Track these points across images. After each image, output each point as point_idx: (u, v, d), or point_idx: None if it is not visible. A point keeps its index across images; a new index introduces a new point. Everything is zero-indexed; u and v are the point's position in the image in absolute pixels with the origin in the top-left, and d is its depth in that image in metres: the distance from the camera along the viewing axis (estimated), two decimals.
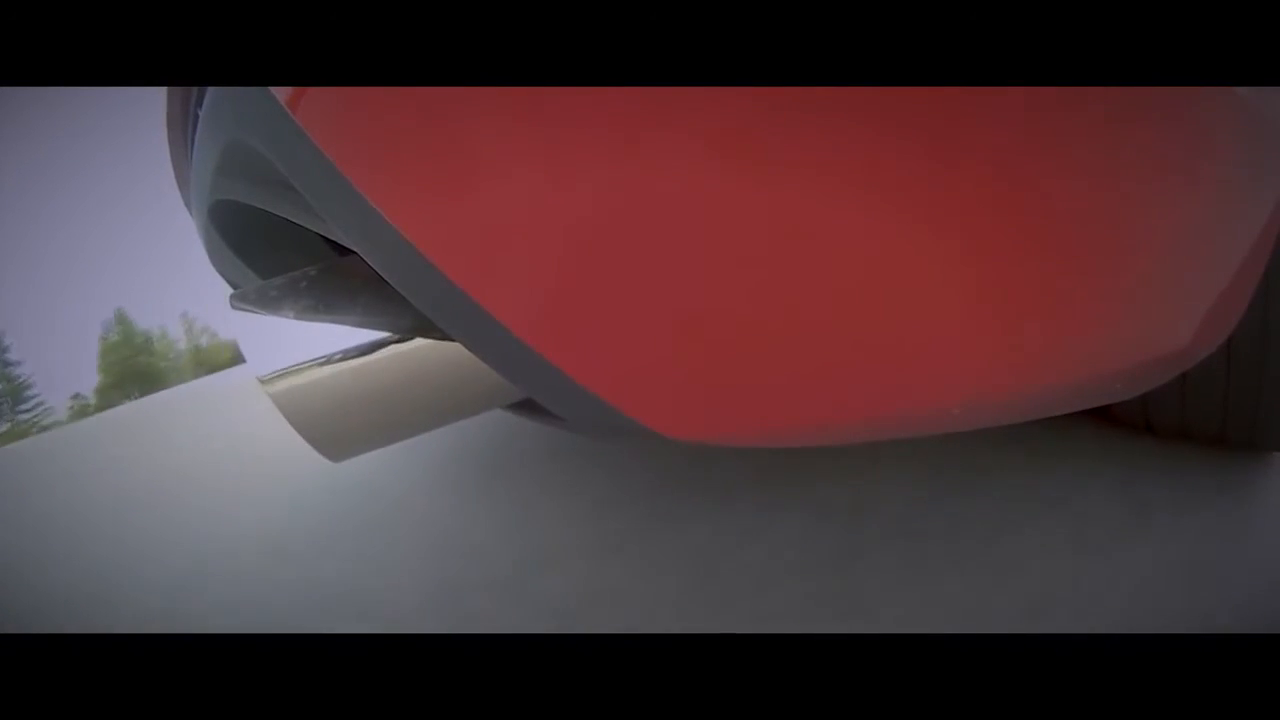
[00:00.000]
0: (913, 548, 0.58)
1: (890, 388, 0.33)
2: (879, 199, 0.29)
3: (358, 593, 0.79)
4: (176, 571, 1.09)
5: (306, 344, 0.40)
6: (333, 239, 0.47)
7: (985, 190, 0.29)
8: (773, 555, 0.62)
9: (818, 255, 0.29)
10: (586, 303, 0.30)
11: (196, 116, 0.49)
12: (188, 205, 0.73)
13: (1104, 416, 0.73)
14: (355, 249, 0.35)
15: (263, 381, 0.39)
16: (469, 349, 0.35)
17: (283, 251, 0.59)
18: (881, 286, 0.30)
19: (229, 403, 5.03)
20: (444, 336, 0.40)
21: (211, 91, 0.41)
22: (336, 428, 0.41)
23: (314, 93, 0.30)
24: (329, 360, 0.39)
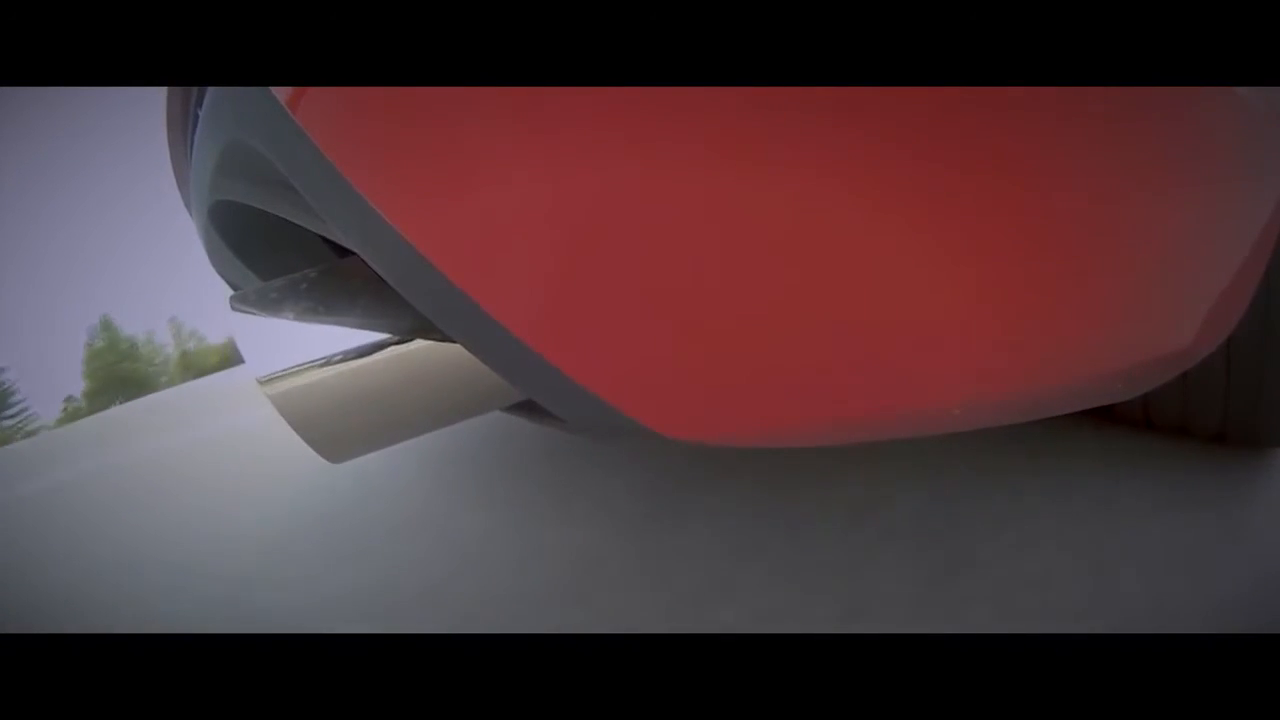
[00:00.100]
0: (912, 548, 0.58)
1: (891, 388, 0.33)
2: (879, 199, 0.28)
3: (357, 593, 0.79)
4: (176, 572, 1.09)
5: (305, 345, 0.40)
6: (333, 240, 0.47)
7: (986, 190, 0.29)
8: (772, 555, 0.62)
9: (818, 256, 0.29)
10: (586, 303, 0.30)
11: (196, 116, 0.48)
12: (187, 205, 0.73)
13: (1104, 415, 0.73)
14: (355, 250, 0.35)
15: (262, 383, 0.39)
16: (469, 350, 0.35)
17: (283, 252, 0.59)
18: (882, 286, 0.30)
19: (227, 404, 5.03)
20: (444, 337, 0.40)
21: (211, 91, 0.41)
22: (336, 429, 0.41)
23: (314, 93, 0.30)
24: (329, 361, 0.39)
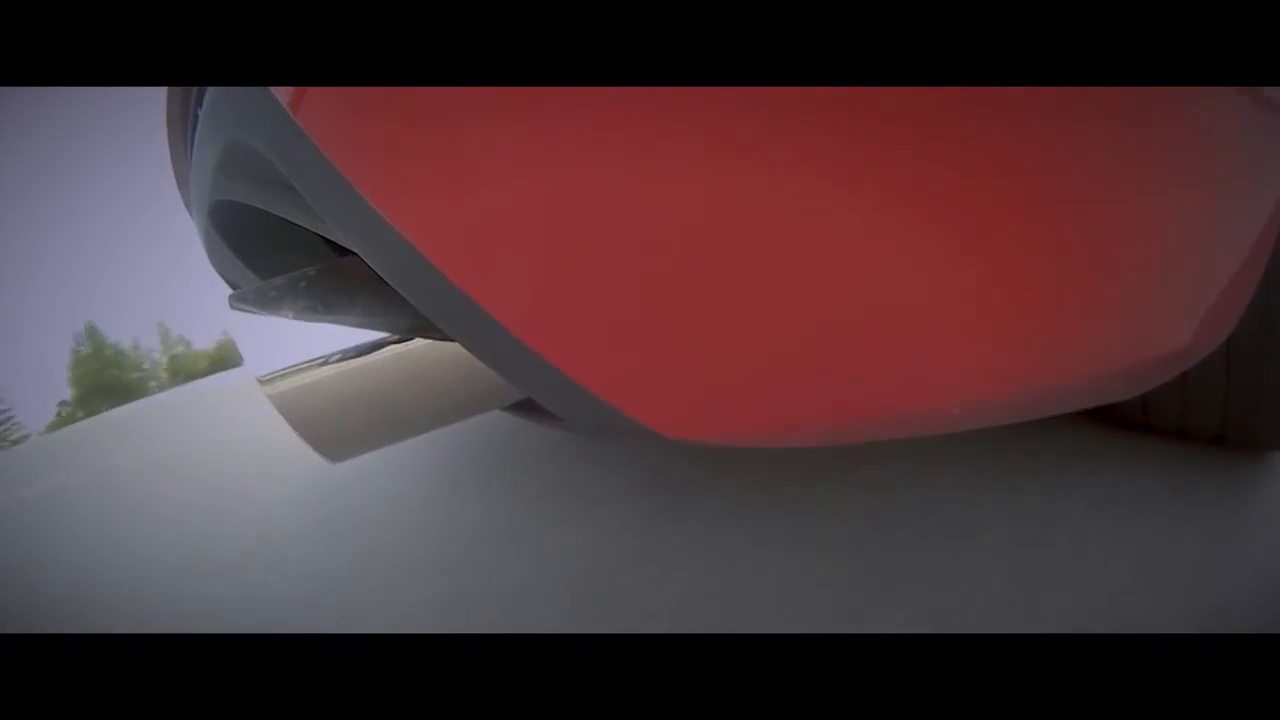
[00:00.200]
0: (912, 547, 0.58)
1: (890, 388, 0.33)
2: (877, 199, 0.29)
3: (357, 593, 0.79)
4: (176, 571, 1.09)
5: (305, 344, 0.40)
6: (332, 239, 0.47)
7: (985, 190, 0.29)
8: (772, 555, 0.62)
9: (817, 256, 0.29)
10: (585, 303, 0.30)
11: (196, 116, 0.49)
12: (187, 205, 0.73)
13: (1104, 417, 0.73)
14: (355, 249, 0.35)
15: (262, 382, 0.39)
16: (468, 349, 0.35)
17: (283, 252, 0.59)
18: (881, 286, 0.30)
19: (226, 405, 5.03)
20: (443, 336, 0.40)
21: (211, 91, 0.41)
22: (336, 428, 0.41)
23: (314, 93, 0.30)
24: (328, 361, 0.39)
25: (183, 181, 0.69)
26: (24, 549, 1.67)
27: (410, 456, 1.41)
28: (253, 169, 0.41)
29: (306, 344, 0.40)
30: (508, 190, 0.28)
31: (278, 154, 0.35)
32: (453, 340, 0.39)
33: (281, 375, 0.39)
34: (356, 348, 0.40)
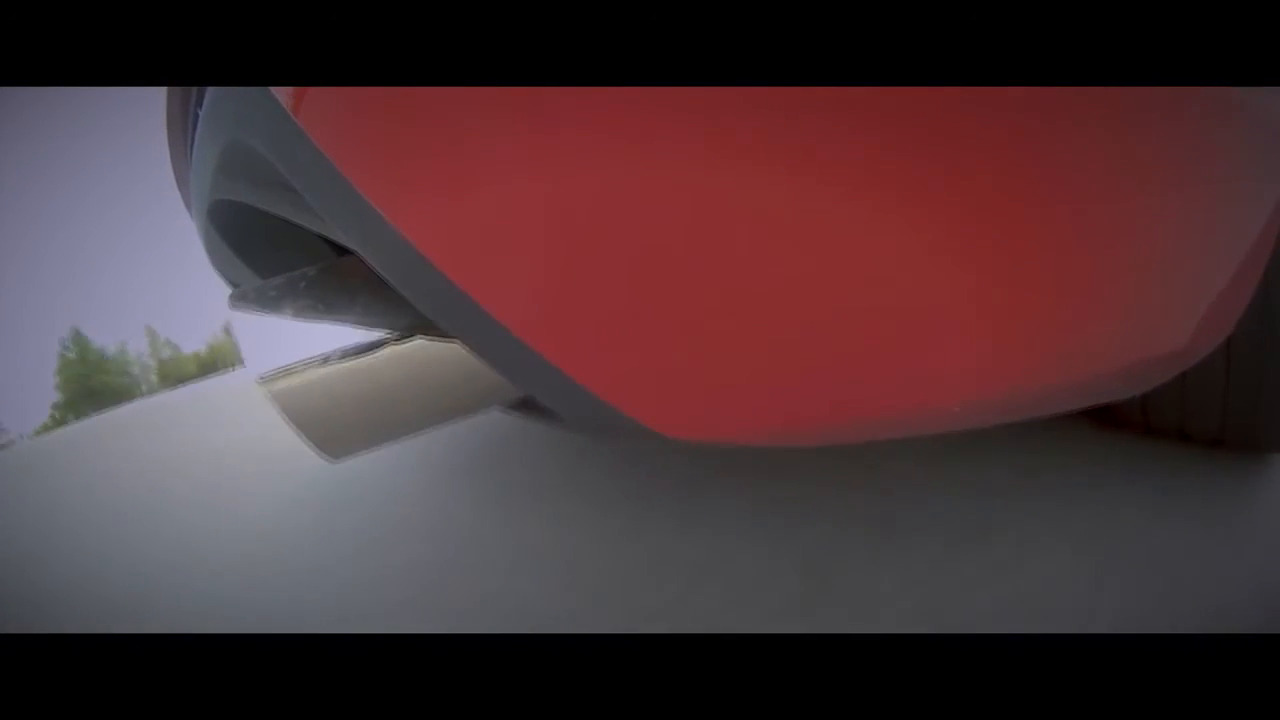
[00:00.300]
0: (912, 547, 0.58)
1: (890, 387, 0.33)
2: (878, 199, 0.29)
3: (356, 593, 0.79)
4: (175, 571, 1.09)
5: (307, 343, 0.40)
6: (333, 239, 0.47)
7: (985, 191, 0.29)
8: (772, 555, 0.62)
9: (817, 255, 0.29)
10: (586, 302, 0.30)
11: (196, 116, 0.49)
12: (187, 205, 0.73)
13: (1104, 417, 0.73)
14: (355, 249, 0.35)
15: (262, 381, 0.39)
16: (468, 348, 0.35)
17: (283, 251, 0.59)
18: (881, 286, 0.30)
19: (220, 406, 5.03)
20: (443, 335, 0.40)
21: (211, 92, 0.41)
22: (336, 427, 0.41)
23: (314, 93, 0.30)
24: (328, 360, 0.39)
25: (183, 181, 0.69)
26: (24, 548, 1.67)
27: (410, 455, 1.41)
28: (253, 169, 0.41)
29: (308, 343, 0.40)
30: (508, 190, 0.28)
31: (278, 154, 0.35)
32: (453, 339, 0.39)
33: (281, 374, 0.39)
34: (356, 347, 0.40)
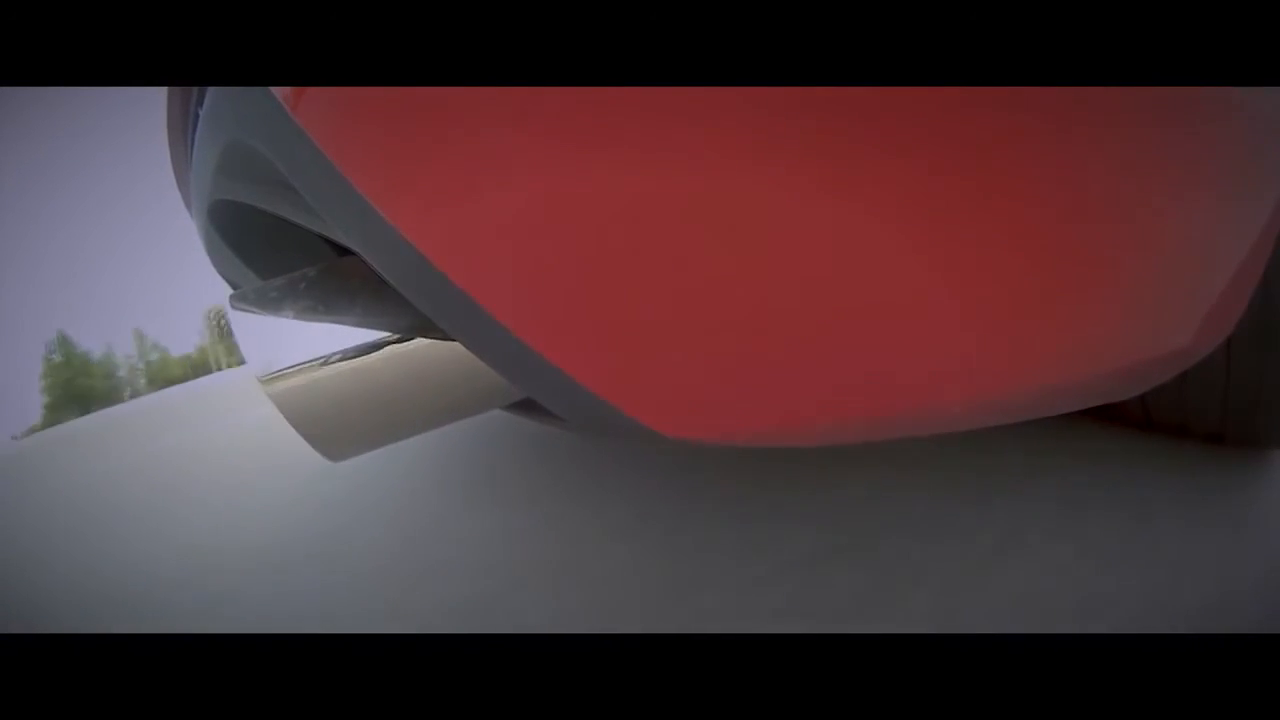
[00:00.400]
0: (912, 548, 0.58)
1: (891, 387, 0.33)
2: (878, 198, 0.29)
3: (356, 593, 0.79)
4: (175, 571, 1.09)
5: (305, 344, 0.40)
6: (333, 239, 0.47)
7: (986, 190, 0.29)
8: (771, 555, 0.62)
9: (817, 255, 0.29)
10: (586, 302, 0.30)
11: (197, 116, 0.49)
12: (187, 205, 0.73)
13: (1104, 416, 0.73)
14: (355, 249, 0.35)
15: (262, 381, 0.39)
16: (468, 349, 0.35)
17: (283, 252, 0.59)
18: (882, 286, 0.30)
19: (223, 406, 5.03)
20: (443, 336, 0.40)
21: (211, 92, 0.41)
22: (336, 427, 0.41)
23: (314, 93, 0.30)
24: (328, 360, 0.39)
25: (183, 181, 0.69)
26: (24, 547, 1.68)
27: (410, 455, 1.41)
28: (253, 169, 0.41)
29: (307, 344, 0.40)
30: (508, 190, 0.28)
31: (278, 154, 0.35)
32: (453, 340, 0.39)
33: (282, 374, 0.39)
34: (357, 347, 0.40)
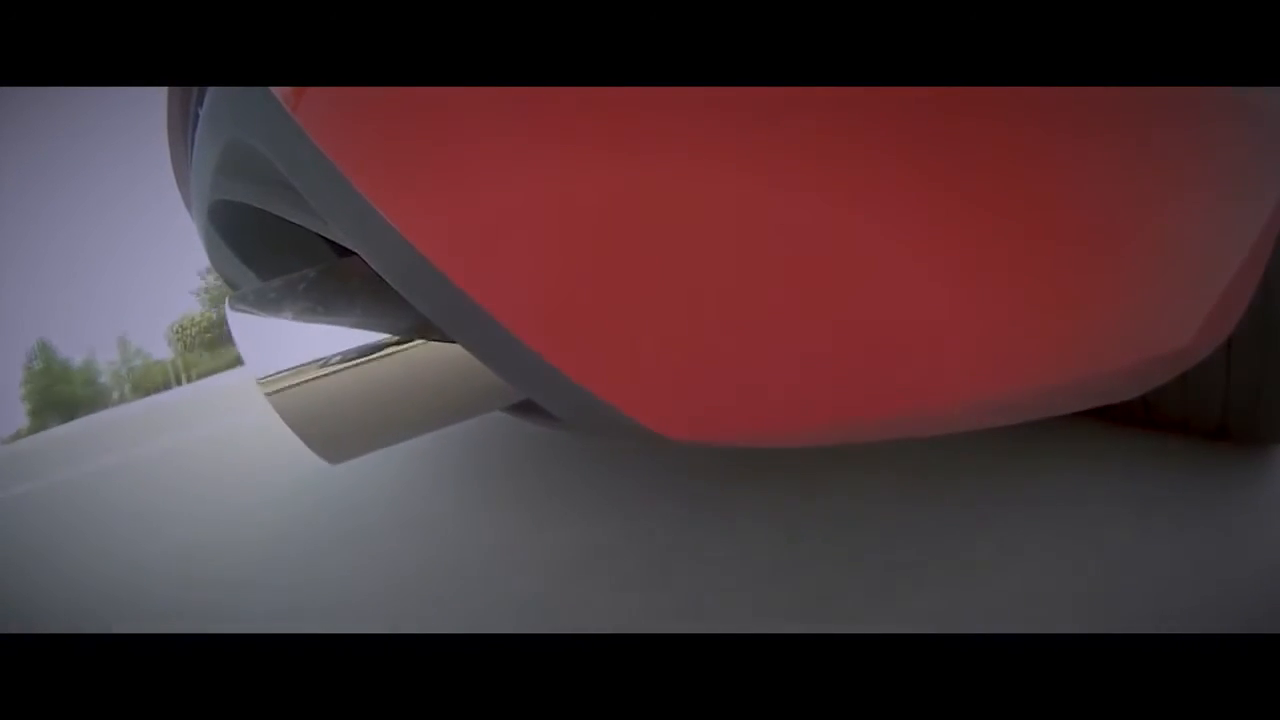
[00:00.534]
0: (912, 548, 0.58)
1: (891, 388, 0.33)
2: (878, 199, 0.28)
3: (356, 593, 0.79)
4: (175, 571, 1.09)
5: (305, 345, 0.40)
6: (333, 239, 0.47)
7: (987, 191, 0.29)
8: (771, 555, 0.62)
9: (818, 256, 0.29)
10: (586, 304, 0.30)
11: (196, 116, 0.49)
12: (187, 205, 0.73)
13: (1104, 414, 0.73)
14: (355, 250, 0.35)
15: (261, 383, 0.39)
16: (468, 350, 0.35)
17: (283, 252, 0.59)
18: (882, 287, 0.30)
19: (213, 409, 5.03)
20: (443, 337, 0.40)
21: (211, 91, 0.41)
22: (335, 430, 0.41)
23: (314, 93, 0.30)
24: (327, 362, 0.39)
25: (183, 181, 0.69)
26: (24, 546, 1.67)
27: (410, 456, 1.41)
28: (253, 169, 0.41)
29: (307, 343, 0.40)
30: (508, 190, 0.28)
31: (278, 154, 0.35)
32: (453, 341, 0.39)
33: (281, 376, 0.39)
34: (357, 349, 0.40)
